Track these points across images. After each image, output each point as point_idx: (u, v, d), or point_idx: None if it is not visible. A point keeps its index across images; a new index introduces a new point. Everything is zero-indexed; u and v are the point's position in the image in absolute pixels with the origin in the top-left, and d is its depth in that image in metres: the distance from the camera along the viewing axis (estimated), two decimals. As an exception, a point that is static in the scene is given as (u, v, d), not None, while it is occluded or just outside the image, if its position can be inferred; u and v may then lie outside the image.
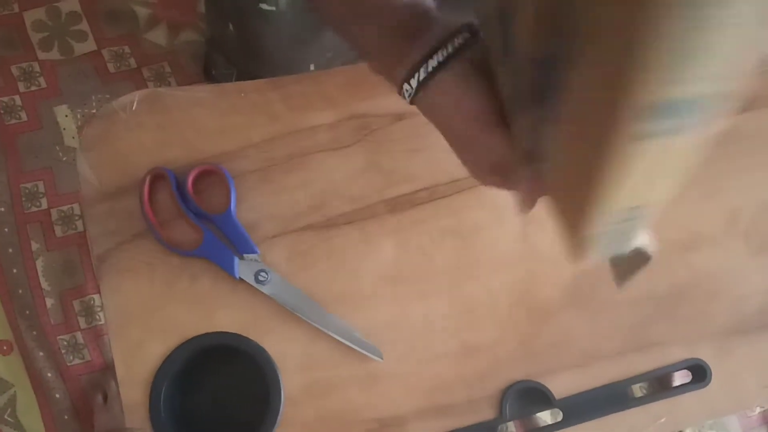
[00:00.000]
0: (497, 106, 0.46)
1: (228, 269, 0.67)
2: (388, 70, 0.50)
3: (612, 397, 0.67)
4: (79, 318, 1.35)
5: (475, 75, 0.47)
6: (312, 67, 0.90)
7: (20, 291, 1.35)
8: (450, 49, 0.47)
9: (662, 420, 0.68)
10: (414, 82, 0.48)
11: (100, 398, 1.27)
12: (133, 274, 0.68)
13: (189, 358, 0.67)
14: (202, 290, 0.68)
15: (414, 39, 0.47)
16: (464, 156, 0.51)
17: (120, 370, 0.67)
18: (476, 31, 0.48)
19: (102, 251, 0.69)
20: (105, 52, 1.47)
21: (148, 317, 0.68)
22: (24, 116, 1.43)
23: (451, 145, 0.51)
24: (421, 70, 0.47)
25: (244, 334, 0.67)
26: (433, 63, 0.47)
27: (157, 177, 0.70)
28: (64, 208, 1.38)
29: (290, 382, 0.67)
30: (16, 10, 1.48)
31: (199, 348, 0.67)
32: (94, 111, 1.42)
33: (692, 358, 0.69)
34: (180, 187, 0.69)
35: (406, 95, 0.49)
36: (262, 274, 0.67)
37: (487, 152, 0.48)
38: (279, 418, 0.66)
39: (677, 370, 0.69)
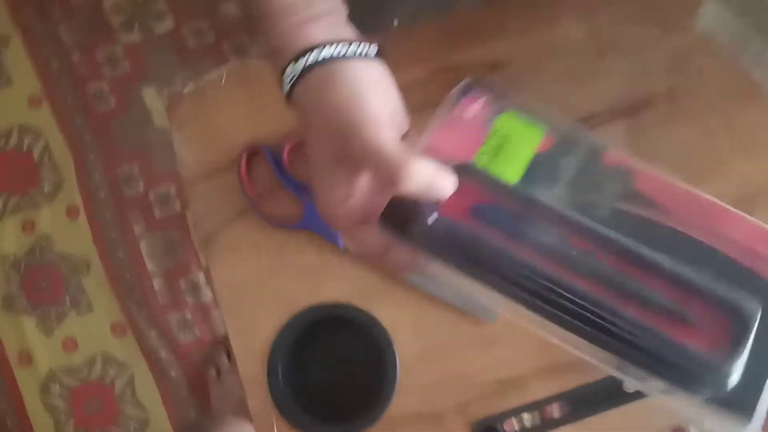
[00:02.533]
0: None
1: (332, 240, 0.69)
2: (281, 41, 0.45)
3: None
4: (186, 296, 1.41)
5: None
6: (396, 23, 0.90)
7: (127, 275, 1.42)
8: (363, 48, 0.44)
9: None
10: (307, 60, 0.43)
11: (213, 373, 1.33)
12: (239, 251, 0.71)
13: (302, 330, 0.69)
14: (308, 262, 0.70)
15: (319, 19, 0.45)
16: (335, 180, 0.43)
17: (236, 347, 0.70)
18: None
19: (207, 232, 0.72)
20: (184, 29, 1.51)
21: (259, 293, 0.70)
22: (113, 102, 1.49)
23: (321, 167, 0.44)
24: (324, 49, 0.43)
25: (354, 304, 0.69)
26: (338, 49, 0.43)
27: (253, 152, 0.72)
28: (161, 189, 1.44)
29: (404, 348, 0.68)
30: (94, -5, 1.54)
31: (311, 320, 0.69)
32: (179, 90, 1.46)
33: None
34: (277, 161, 0.71)
35: (288, 79, 0.44)
36: (367, 241, 0.68)
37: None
38: (396, 385, 0.67)
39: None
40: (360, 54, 0.44)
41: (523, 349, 0.67)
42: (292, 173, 0.70)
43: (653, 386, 0.39)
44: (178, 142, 0.75)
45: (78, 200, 1.45)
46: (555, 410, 0.67)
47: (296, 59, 0.43)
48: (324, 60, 0.43)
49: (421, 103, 0.72)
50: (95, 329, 1.42)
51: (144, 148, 1.46)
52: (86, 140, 1.47)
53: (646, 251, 0.39)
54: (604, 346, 0.38)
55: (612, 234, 0.40)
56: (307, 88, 0.43)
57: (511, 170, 0.42)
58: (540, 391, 0.67)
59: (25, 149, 1.48)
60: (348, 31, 0.46)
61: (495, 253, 0.39)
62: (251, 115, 0.73)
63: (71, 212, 1.45)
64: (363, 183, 0.42)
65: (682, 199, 0.42)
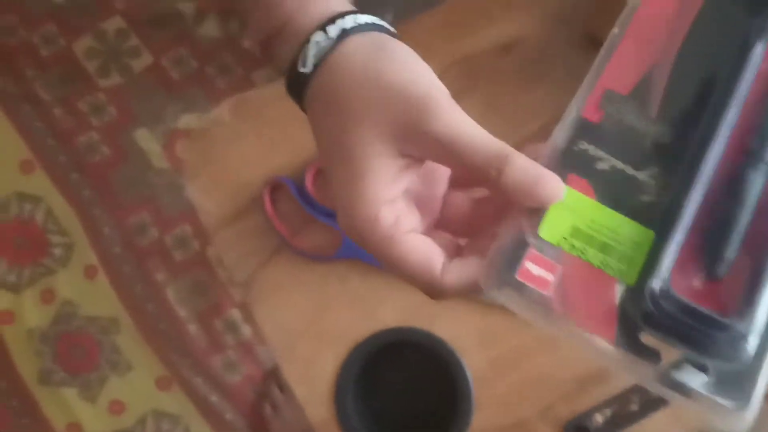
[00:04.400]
0: None
1: (374, 262, 0.68)
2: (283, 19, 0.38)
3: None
4: (225, 336, 1.41)
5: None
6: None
7: (161, 326, 1.42)
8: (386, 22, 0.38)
9: None
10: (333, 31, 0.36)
11: (269, 409, 1.33)
12: (282, 291, 0.70)
13: (365, 361, 0.69)
14: (355, 290, 0.69)
15: None
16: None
17: (299, 392, 0.70)
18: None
19: (245, 277, 0.71)
20: (163, 61, 1.50)
21: (311, 331, 0.69)
22: (106, 151, 1.48)
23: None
24: (360, 15, 0.37)
25: (412, 325, 0.68)
26: (373, 18, 0.37)
27: (274, 186, 0.71)
28: (176, 231, 1.44)
29: (473, 361, 0.67)
30: (63, 44, 1.52)
31: (372, 350, 0.68)
32: (172, 126, 1.46)
33: None
34: (300, 191, 0.70)
35: (312, 53, 0.37)
36: (412, 258, 0.67)
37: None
38: (472, 400, 0.66)
39: None
40: (387, 29, 0.38)
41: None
42: (320, 201, 0.69)
43: None
44: (192, 190, 0.74)
45: (93, 259, 1.44)
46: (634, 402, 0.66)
47: (324, 26, 0.37)
48: (363, 27, 0.36)
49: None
50: (139, 387, 1.43)
51: (149, 193, 1.45)
52: (87, 196, 1.46)
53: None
54: None
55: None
56: (346, 60, 0.36)
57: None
58: (623, 379, 0.66)
59: (27, 217, 1.48)
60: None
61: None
62: (263, 147, 0.72)
63: (89, 273, 1.45)
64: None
65: None
